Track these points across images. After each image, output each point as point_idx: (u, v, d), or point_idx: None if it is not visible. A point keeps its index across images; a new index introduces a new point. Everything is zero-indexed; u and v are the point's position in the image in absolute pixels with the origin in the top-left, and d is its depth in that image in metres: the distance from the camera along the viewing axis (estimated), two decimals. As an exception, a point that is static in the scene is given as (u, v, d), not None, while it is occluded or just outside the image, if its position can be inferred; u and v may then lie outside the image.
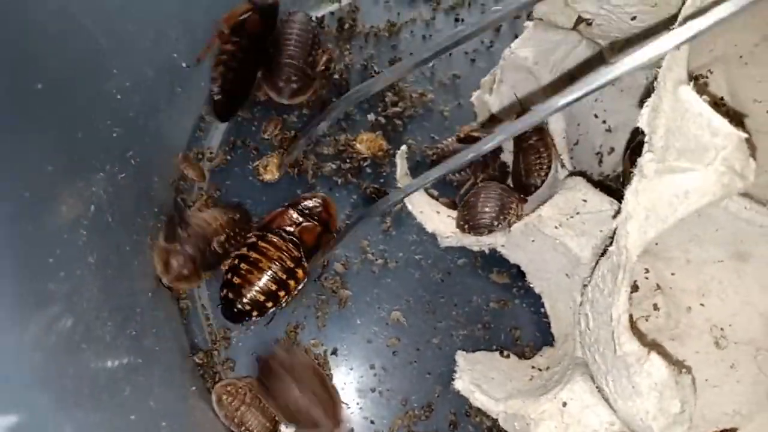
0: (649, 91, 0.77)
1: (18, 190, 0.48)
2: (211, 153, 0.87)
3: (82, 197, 0.58)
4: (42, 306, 0.47)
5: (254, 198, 0.86)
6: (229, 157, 0.87)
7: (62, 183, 0.56)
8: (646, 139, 0.57)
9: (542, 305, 0.80)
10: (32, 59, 0.54)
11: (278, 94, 0.86)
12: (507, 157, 0.87)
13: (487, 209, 0.74)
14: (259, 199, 0.86)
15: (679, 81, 0.55)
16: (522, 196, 0.76)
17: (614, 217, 0.59)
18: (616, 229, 0.57)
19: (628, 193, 0.56)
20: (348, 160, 0.88)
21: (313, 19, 0.90)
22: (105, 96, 0.65)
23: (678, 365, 0.58)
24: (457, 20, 0.97)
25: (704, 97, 0.54)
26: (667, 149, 0.55)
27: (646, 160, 0.55)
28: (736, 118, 0.66)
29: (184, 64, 0.79)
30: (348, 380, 0.80)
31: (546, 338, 0.80)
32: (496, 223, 0.73)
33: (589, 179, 0.72)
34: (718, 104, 0.70)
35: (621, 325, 0.56)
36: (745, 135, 0.51)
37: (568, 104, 0.56)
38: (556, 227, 0.70)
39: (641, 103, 0.74)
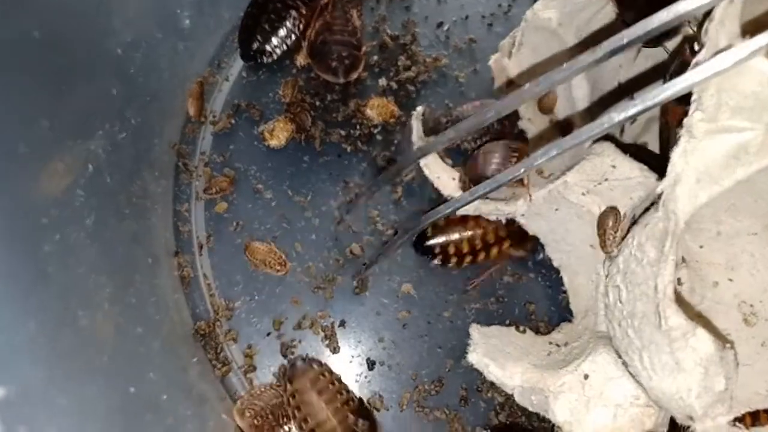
0: (676, 51, 0.74)
1: (11, 145, 0.44)
2: (214, 116, 0.84)
3: (79, 156, 0.55)
4: (36, 270, 0.43)
5: (259, 164, 0.82)
6: (233, 121, 0.84)
7: (59, 139, 0.53)
8: (694, 97, 0.53)
9: (559, 280, 0.77)
10: (29, 6, 0.50)
11: (334, 75, 0.82)
12: (524, 124, 0.83)
13: (494, 160, 0.71)
14: (264, 166, 0.82)
15: (735, 35, 0.51)
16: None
17: (659, 180, 0.55)
18: (660, 194, 0.53)
19: (675, 155, 0.53)
20: (358, 127, 0.84)
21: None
22: (105, 50, 0.62)
23: (721, 339, 0.55)
24: (471, -18, 0.92)
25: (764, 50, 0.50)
26: (720, 108, 0.51)
27: (695, 119, 0.52)
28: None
29: (187, 22, 0.75)
30: (356, 353, 0.77)
31: (561, 314, 0.77)
32: (502, 168, 0.70)
33: (619, 144, 0.69)
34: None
35: (667, 298, 0.53)
36: None
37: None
38: (582, 194, 0.66)
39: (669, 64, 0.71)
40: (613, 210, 0.64)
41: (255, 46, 0.82)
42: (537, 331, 0.77)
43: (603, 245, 0.63)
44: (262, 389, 0.72)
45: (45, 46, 0.52)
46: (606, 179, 0.66)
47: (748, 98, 0.48)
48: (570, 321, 0.75)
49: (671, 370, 0.53)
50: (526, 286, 0.80)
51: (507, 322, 0.77)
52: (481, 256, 0.77)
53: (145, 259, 0.67)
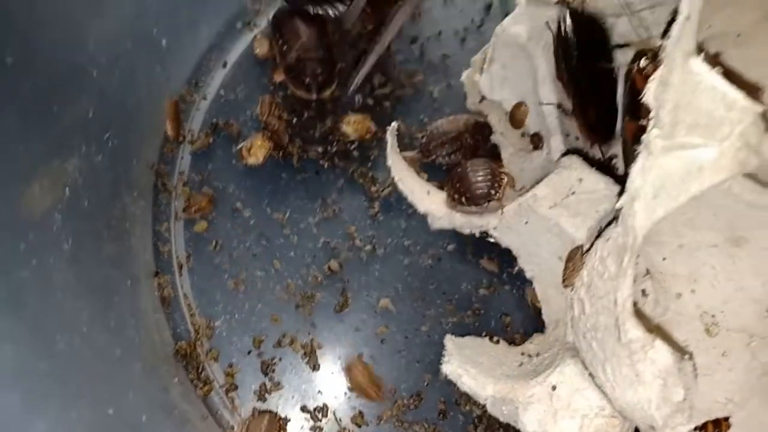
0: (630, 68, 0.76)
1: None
2: (192, 135, 0.84)
3: (56, 180, 0.55)
4: (13, 296, 0.44)
5: (237, 183, 0.83)
6: (211, 140, 0.84)
7: (35, 164, 0.53)
8: (653, 114, 0.54)
9: (533, 291, 0.78)
10: (1, 30, 0.51)
11: (307, 92, 0.83)
12: (497, 138, 0.85)
13: (479, 177, 0.72)
14: (243, 184, 0.83)
15: (689, 52, 0.53)
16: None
17: (618, 196, 0.57)
18: (620, 209, 0.55)
19: (634, 171, 0.54)
20: (335, 143, 0.85)
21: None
22: (80, 71, 0.62)
23: (680, 351, 0.57)
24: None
25: (717, 68, 0.52)
26: (676, 125, 0.53)
27: (652, 136, 0.53)
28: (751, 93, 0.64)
29: (164, 42, 0.76)
30: (336, 369, 0.78)
31: (536, 325, 0.79)
32: (492, 192, 0.71)
33: (585, 158, 0.70)
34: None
35: (626, 311, 0.54)
36: (762, 108, 0.50)
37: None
38: (550, 207, 0.68)
39: (626, 79, 0.73)
40: (579, 248, 0.65)
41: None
42: (512, 342, 0.78)
43: (563, 277, 0.66)
44: None
45: (18, 71, 0.52)
46: (573, 192, 0.68)
47: (703, 115, 0.50)
48: (542, 332, 0.76)
49: (632, 382, 0.54)
50: (501, 299, 0.81)
51: (483, 334, 0.79)
52: None
53: (125, 281, 0.67)
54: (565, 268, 0.66)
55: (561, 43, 0.71)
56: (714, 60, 0.64)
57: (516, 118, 0.82)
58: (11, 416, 0.39)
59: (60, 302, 0.50)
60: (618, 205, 0.55)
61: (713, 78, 0.51)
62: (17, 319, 0.43)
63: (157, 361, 0.70)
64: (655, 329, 0.64)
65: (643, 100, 0.55)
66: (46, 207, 0.53)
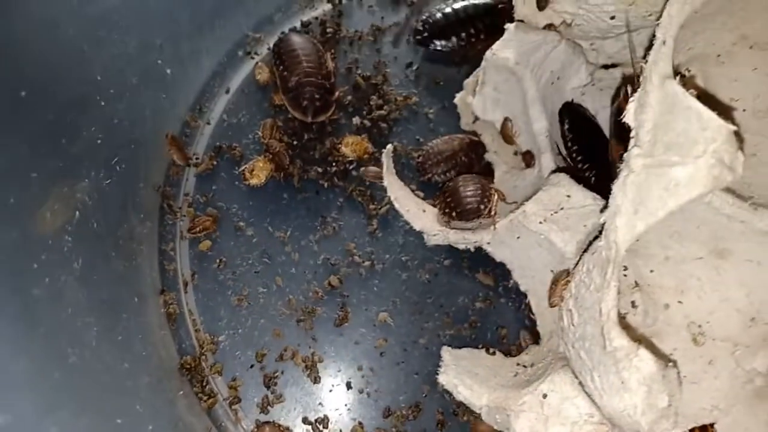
0: (618, 90, 0.79)
1: (2, 194, 0.48)
2: (197, 158, 0.88)
3: (67, 203, 0.59)
4: (27, 311, 0.47)
5: (240, 203, 0.86)
6: (215, 163, 0.88)
7: (47, 189, 0.57)
8: (633, 133, 0.57)
9: (528, 304, 0.81)
10: (16, 67, 0.55)
11: (303, 115, 0.86)
12: (490, 157, 0.88)
13: (469, 192, 0.75)
14: (246, 204, 0.86)
15: (666, 75, 0.56)
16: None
17: (602, 211, 0.59)
18: (603, 224, 0.57)
19: (616, 187, 0.57)
20: (334, 164, 0.89)
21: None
22: (89, 103, 0.66)
23: (664, 359, 0.58)
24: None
25: (691, 90, 0.55)
26: (655, 144, 0.55)
27: (633, 154, 0.56)
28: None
29: (168, 71, 0.80)
30: (336, 382, 0.80)
31: (532, 337, 0.81)
32: (482, 207, 0.74)
33: (573, 175, 0.73)
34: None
35: (610, 321, 0.56)
36: (734, 127, 0.52)
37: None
38: (540, 222, 0.70)
39: (613, 101, 0.76)
40: (564, 271, 0.68)
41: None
42: (508, 354, 0.80)
43: (548, 297, 0.69)
44: None
45: (31, 103, 0.56)
46: (562, 208, 0.70)
47: (679, 135, 0.53)
48: (538, 343, 0.78)
49: (618, 389, 0.56)
50: (497, 312, 0.83)
51: (480, 346, 0.81)
52: None
53: (132, 298, 0.71)
54: (550, 288, 0.69)
55: (562, 135, 0.78)
56: (689, 82, 0.67)
57: (505, 133, 0.85)
58: (29, 420, 0.42)
59: (71, 318, 0.53)
60: (601, 220, 0.58)
61: (688, 99, 0.53)
62: (31, 333, 0.46)
63: (163, 374, 0.73)
64: (643, 338, 0.66)
65: (624, 120, 0.58)
66: (57, 228, 0.57)
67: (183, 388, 0.75)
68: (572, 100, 0.80)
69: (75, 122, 0.63)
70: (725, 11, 0.65)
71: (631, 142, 0.57)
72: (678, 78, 0.55)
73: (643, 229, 0.54)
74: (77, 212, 0.60)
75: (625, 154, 0.57)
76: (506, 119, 0.84)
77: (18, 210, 0.50)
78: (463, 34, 0.87)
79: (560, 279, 0.67)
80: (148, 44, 0.74)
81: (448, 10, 0.88)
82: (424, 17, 0.89)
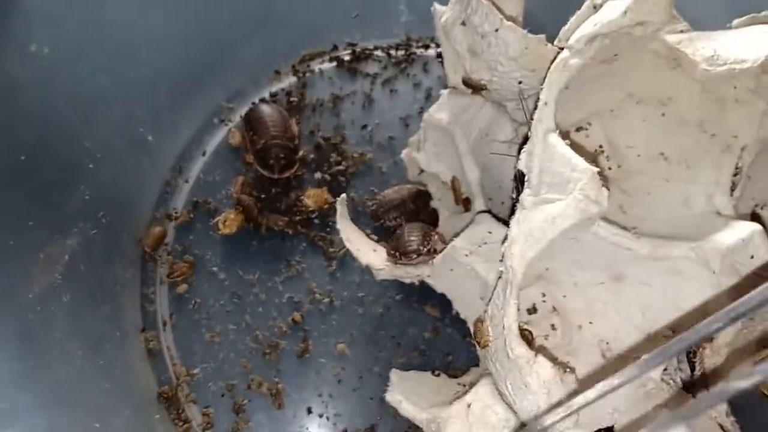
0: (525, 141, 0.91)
1: (4, 239, 0.59)
2: (176, 212, 1.00)
3: (58, 248, 0.70)
4: (22, 330, 0.57)
5: (214, 250, 0.97)
6: (192, 216, 1.00)
7: (41, 238, 0.68)
8: (526, 177, 0.69)
9: (469, 330, 0.90)
10: (17, 135, 0.67)
11: (272, 172, 0.99)
12: (435, 204, 0.99)
13: (413, 237, 0.86)
14: (218, 251, 0.97)
15: (548, 130, 0.68)
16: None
17: (503, 243, 0.70)
18: (503, 252, 0.68)
19: (512, 222, 0.68)
20: (297, 213, 1.00)
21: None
22: (79, 166, 0.78)
23: (562, 365, 0.68)
24: (392, 92, 1.12)
25: (567, 141, 0.67)
26: (541, 185, 0.67)
27: (525, 195, 0.68)
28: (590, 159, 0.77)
29: (150, 138, 0.93)
30: (298, 407, 0.89)
31: (476, 360, 0.90)
32: (421, 248, 0.85)
33: (494, 216, 0.85)
34: (597, 151, 0.84)
35: (512, 333, 0.66)
36: (597, 169, 0.63)
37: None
38: (466, 255, 0.81)
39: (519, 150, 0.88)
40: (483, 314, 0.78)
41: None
42: (454, 377, 0.89)
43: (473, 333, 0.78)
44: None
45: (29, 165, 0.68)
46: (485, 242, 0.81)
47: (557, 176, 0.64)
48: (478, 365, 0.88)
49: (525, 393, 0.64)
50: (444, 340, 0.93)
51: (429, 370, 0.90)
52: None
53: (115, 332, 0.81)
54: (474, 326, 0.78)
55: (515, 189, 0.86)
56: (565, 134, 0.79)
57: (454, 189, 0.96)
58: (20, 412, 0.51)
59: (58, 340, 0.63)
60: (502, 249, 0.69)
61: (563, 148, 0.65)
62: (26, 346, 0.57)
63: (142, 403, 0.82)
64: (539, 348, 0.76)
65: (517, 166, 0.70)
66: (49, 269, 0.68)
67: (160, 414, 0.83)
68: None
69: (67, 182, 0.75)
70: (609, 75, 0.77)
71: (525, 184, 0.68)
72: (557, 132, 0.67)
73: (533, 255, 0.64)
74: (67, 256, 0.71)
75: (520, 195, 0.68)
76: (454, 178, 0.96)
77: (17, 251, 0.61)
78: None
79: (477, 321, 0.75)
80: (132, 115, 0.87)
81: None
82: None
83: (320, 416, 0.88)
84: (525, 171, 0.68)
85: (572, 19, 0.69)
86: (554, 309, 0.82)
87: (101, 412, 0.66)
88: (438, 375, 0.87)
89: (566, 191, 0.63)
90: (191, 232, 0.99)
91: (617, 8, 0.63)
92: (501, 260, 0.72)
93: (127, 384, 0.78)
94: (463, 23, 0.74)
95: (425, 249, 0.86)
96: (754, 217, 0.79)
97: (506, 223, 0.83)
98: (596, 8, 0.67)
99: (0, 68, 0.64)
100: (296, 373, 0.91)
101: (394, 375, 0.84)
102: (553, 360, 0.69)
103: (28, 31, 0.67)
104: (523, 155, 0.69)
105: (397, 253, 0.87)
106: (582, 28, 0.66)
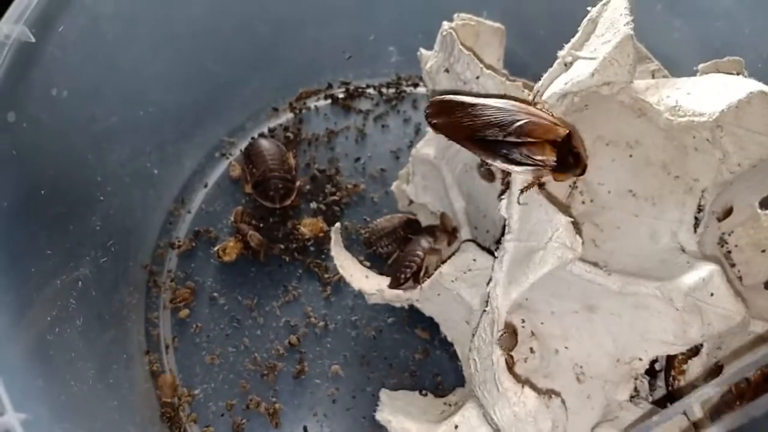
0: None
1: (25, 265, 0.65)
2: (179, 241, 1.05)
3: (72, 274, 0.75)
4: (41, 350, 0.63)
5: (214, 277, 1.03)
6: (194, 244, 1.05)
7: (57, 263, 0.73)
8: (507, 223, 0.74)
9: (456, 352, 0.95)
10: (37, 171, 0.74)
11: (271, 202, 1.05)
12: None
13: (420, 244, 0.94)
14: (219, 278, 1.03)
15: (526, 180, 0.74)
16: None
17: (487, 284, 0.76)
18: (488, 293, 0.74)
19: (495, 264, 0.73)
20: (294, 241, 1.06)
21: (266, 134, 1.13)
22: (90, 198, 0.84)
23: (548, 393, 0.73)
24: (383, 127, 1.19)
25: (544, 191, 0.73)
26: (521, 231, 0.72)
27: (506, 239, 0.73)
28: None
29: (155, 171, 0.99)
30: (294, 426, 0.93)
31: (463, 380, 0.95)
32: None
33: (479, 244, 0.91)
34: (571, 186, 0.89)
35: (500, 368, 0.70)
36: (571, 219, 0.69)
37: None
38: (452, 281, 0.86)
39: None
40: None
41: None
42: (442, 397, 0.94)
43: None
44: None
45: (48, 198, 0.74)
46: (470, 269, 0.87)
47: (536, 224, 0.69)
48: (463, 386, 0.93)
49: (513, 421, 0.69)
50: (433, 362, 0.98)
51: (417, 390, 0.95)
52: None
53: (121, 354, 0.86)
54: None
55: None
56: (541, 185, 0.83)
57: (444, 223, 1.02)
58: (42, 423, 0.57)
59: (73, 359, 0.68)
60: (487, 290, 0.74)
61: (540, 199, 0.71)
62: (45, 365, 0.62)
63: (146, 421, 0.87)
64: (525, 381, 0.80)
65: (498, 211, 0.75)
66: (64, 295, 0.73)
67: (163, 430, 0.88)
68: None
69: (80, 213, 0.81)
70: (580, 121, 0.79)
71: (507, 229, 0.74)
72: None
73: (516, 297, 0.70)
74: (80, 282, 0.77)
75: (503, 239, 0.74)
76: (443, 214, 1.02)
77: (37, 278, 0.67)
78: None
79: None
80: (139, 150, 0.94)
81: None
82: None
83: (315, 435, 0.93)
84: (506, 216, 0.74)
85: (545, 76, 0.75)
86: (533, 334, 0.87)
87: (111, 427, 0.71)
88: (425, 395, 0.92)
89: (543, 239, 0.69)
90: (193, 260, 1.04)
91: (586, 69, 0.70)
92: (487, 300, 0.77)
93: (133, 403, 0.83)
94: (447, 70, 0.81)
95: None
96: (722, 243, 0.86)
97: (490, 252, 0.89)
98: (567, 66, 0.74)
99: (24, 110, 0.70)
100: (293, 394, 0.95)
101: (384, 395, 0.89)
102: (537, 389, 0.74)
103: (49, 76, 0.74)
104: (503, 202, 0.75)
105: (401, 273, 0.93)
106: (554, 85, 0.72)
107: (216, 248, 1.04)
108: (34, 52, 0.71)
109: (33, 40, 0.70)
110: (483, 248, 0.90)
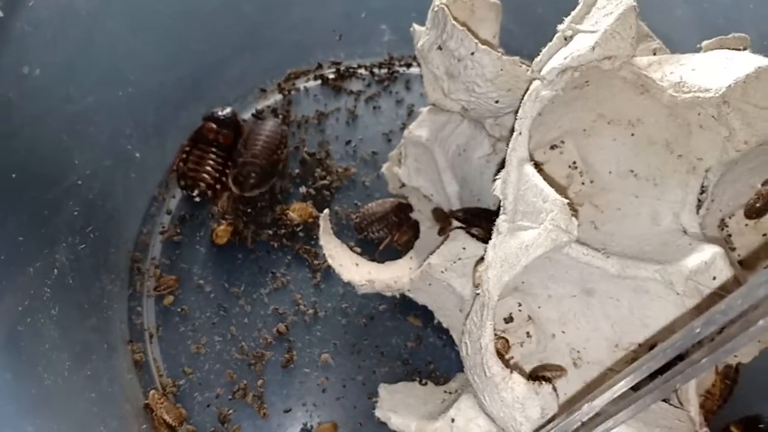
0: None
1: (-5, 254, 0.62)
2: (163, 227, 1.02)
3: (47, 262, 0.72)
4: (11, 341, 0.59)
5: (200, 264, 0.99)
6: (178, 230, 1.02)
7: (31, 250, 0.70)
8: (502, 204, 0.71)
9: (451, 338, 0.93)
10: (8, 153, 0.70)
11: (238, 189, 1.01)
12: (416, 215, 1.02)
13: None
14: (205, 264, 1.00)
15: (523, 159, 0.70)
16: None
17: (476, 265, 0.73)
18: (480, 275, 0.71)
19: (489, 247, 0.70)
20: (283, 227, 1.03)
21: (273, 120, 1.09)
22: (68, 182, 0.80)
23: (539, 379, 0.71)
24: (375, 108, 1.15)
25: (540, 169, 0.69)
26: (515, 212, 0.69)
27: (500, 220, 0.70)
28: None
29: (137, 154, 0.95)
30: (283, 417, 0.91)
31: (459, 366, 0.92)
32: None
33: (468, 232, 0.88)
34: (571, 167, 0.87)
35: (488, 352, 0.68)
36: (567, 201, 0.65)
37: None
38: (442, 271, 0.84)
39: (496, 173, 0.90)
40: None
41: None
42: (438, 383, 0.91)
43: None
44: None
45: (19, 183, 0.70)
46: (459, 258, 0.84)
47: (530, 205, 0.66)
48: (462, 371, 0.90)
49: (501, 406, 0.67)
50: (426, 349, 0.95)
51: (413, 377, 0.92)
52: None
53: (102, 344, 0.82)
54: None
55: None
56: (538, 166, 0.81)
57: (436, 217, 0.99)
58: (8, 421, 0.53)
59: (47, 351, 0.65)
60: (477, 273, 0.71)
61: (536, 178, 0.67)
62: (14, 357, 0.59)
63: (129, 414, 0.84)
64: (515, 366, 0.78)
65: (492, 192, 0.72)
66: (38, 283, 0.70)
67: (147, 424, 0.85)
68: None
69: (56, 198, 0.77)
70: (581, 98, 0.79)
71: (501, 210, 0.71)
72: (531, 162, 0.70)
73: (508, 280, 0.66)
74: (55, 270, 0.73)
75: (496, 221, 0.71)
76: (435, 207, 0.99)
77: (7, 265, 0.64)
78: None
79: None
80: (119, 133, 0.90)
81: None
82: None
83: (304, 425, 0.90)
84: (500, 197, 0.71)
85: (544, 51, 0.72)
86: (529, 318, 0.85)
87: (88, 422, 0.68)
88: (425, 384, 0.90)
89: (539, 220, 0.66)
90: (178, 247, 1.01)
91: (586, 42, 0.66)
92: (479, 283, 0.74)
93: (114, 395, 0.80)
94: (440, 47, 0.77)
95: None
96: (722, 227, 0.83)
97: (481, 239, 0.86)
98: (567, 40, 0.70)
99: (-8, 89, 0.66)
100: (281, 383, 0.93)
101: (383, 390, 0.86)
102: (527, 375, 0.71)
103: (20, 54, 0.70)
104: (498, 182, 0.72)
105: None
106: (553, 60, 0.68)
107: (211, 229, 1.01)
108: (3, 27, 0.67)
109: (1, 14, 0.66)
110: (473, 235, 0.87)
